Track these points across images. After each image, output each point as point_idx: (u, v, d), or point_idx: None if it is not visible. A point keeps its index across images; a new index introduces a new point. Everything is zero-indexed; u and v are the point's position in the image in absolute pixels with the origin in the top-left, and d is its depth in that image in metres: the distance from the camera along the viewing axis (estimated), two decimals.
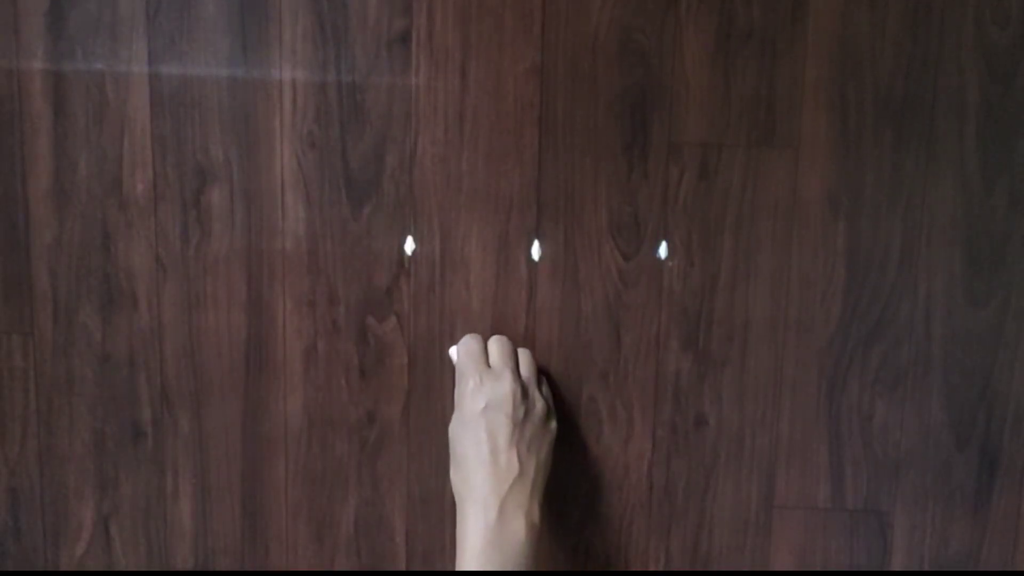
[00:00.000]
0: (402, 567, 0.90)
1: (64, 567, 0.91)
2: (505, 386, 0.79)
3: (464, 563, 0.75)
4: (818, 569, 0.89)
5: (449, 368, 0.87)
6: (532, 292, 0.86)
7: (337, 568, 0.90)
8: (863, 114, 0.82)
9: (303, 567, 0.90)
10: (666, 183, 0.84)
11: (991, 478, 0.87)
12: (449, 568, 0.90)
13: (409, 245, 0.86)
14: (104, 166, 0.85)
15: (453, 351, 0.85)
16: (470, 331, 0.86)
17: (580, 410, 0.87)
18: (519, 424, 0.78)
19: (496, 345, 0.83)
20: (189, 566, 0.91)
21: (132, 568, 0.91)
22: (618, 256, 0.85)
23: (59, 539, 0.91)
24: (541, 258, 0.85)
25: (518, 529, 0.76)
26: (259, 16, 0.83)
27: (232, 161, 0.85)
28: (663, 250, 0.85)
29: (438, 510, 0.89)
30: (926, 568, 0.89)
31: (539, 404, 0.81)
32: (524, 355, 0.84)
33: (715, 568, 0.89)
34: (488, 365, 0.82)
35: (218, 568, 0.91)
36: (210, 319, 0.87)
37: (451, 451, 0.81)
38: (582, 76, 0.83)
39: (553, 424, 0.82)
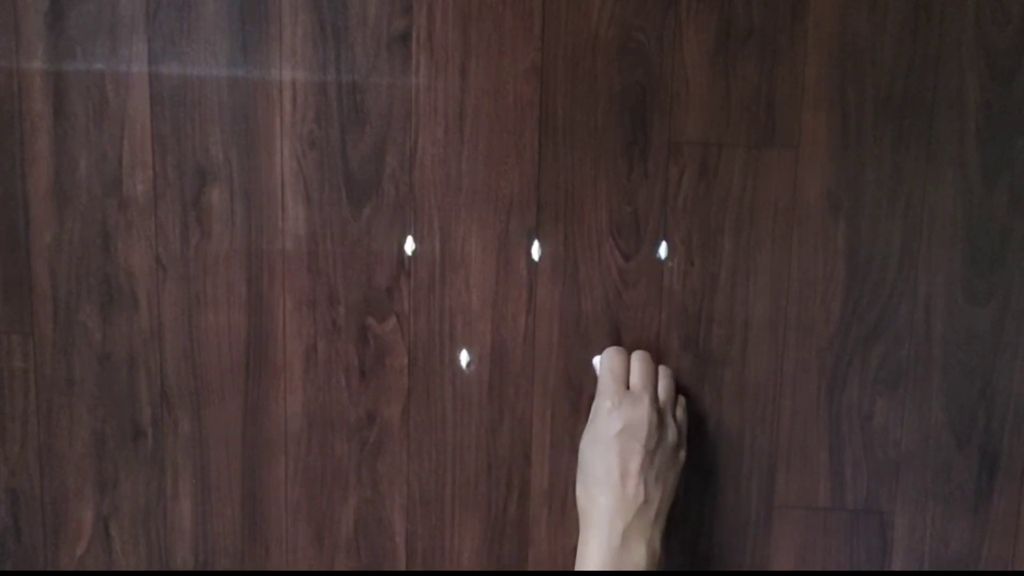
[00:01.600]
0: (402, 567, 0.90)
1: (64, 567, 0.91)
2: (642, 412, 0.79)
3: None
4: (818, 569, 0.89)
5: (449, 368, 0.87)
6: (532, 292, 0.86)
7: (337, 568, 0.90)
8: (863, 114, 0.82)
9: (303, 567, 0.90)
10: (666, 183, 0.84)
11: (991, 478, 0.87)
12: (450, 568, 0.90)
13: (409, 245, 0.86)
14: (104, 166, 0.85)
15: (596, 362, 0.85)
16: (470, 331, 0.86)
17: (582, 411, 0.87)
18: (651, 452, 0.79)
19: (639, 364, 0.83)
20: (189, 566, 0.91)
21: (132, 568, 0.91)
22: (618, 256, 0.85)
23: (59, 539, 0.91)
24: (541, 258, 0.85)
25: (639, 559, 0.76)
26: (259, 16, 0.83)
27: (232, 161, 0.85)
28: (663, 250, 0.85)
29: (438, 510, 0.89)
30: (926, 568, 0.89)
31: (671, 433, 0.81)
32: (665, 377, 0.83)
33: (715, 568, 0.89)
34: (628, 385, 0.82)
35: (218, 568, 0.91)
36: (210, 319, 0.87)
37: (580, 466, 0.81)
38: (582, 76, 0.83)
39: (683, 454, 0.82)
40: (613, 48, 0.82)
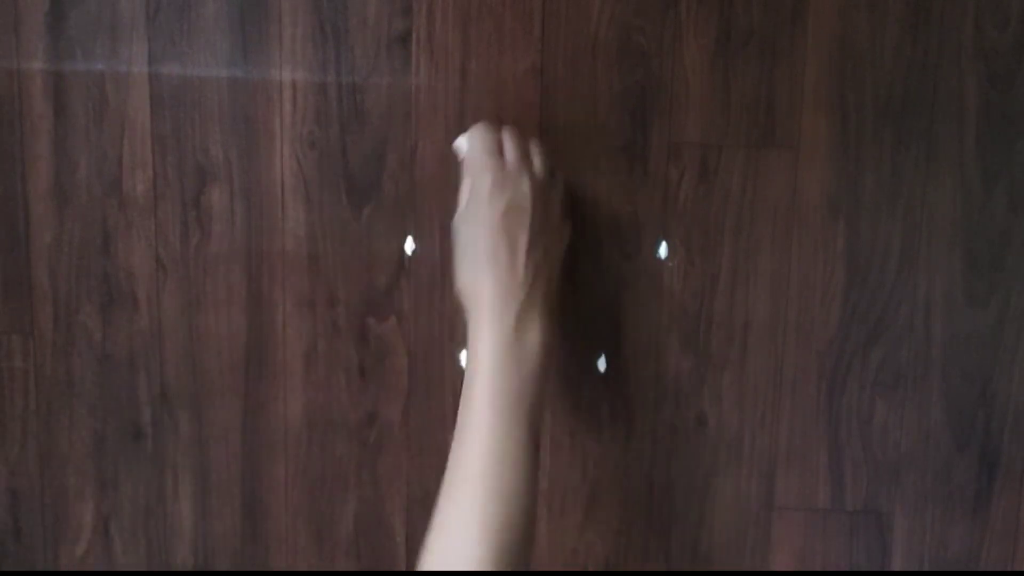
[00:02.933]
0: (402, 567, 0.90)
1: (64, 567, 0.91)
2: (526, 189, 0.74)
3: (478, 376, 0.71)
4: (818, 570, 0.89)
5: (449, 367, 0.87)
6: None
7: (337, 568, 0.90)
8: (863, 115, 0.82)
9: (303, 567, 0.90)
10: (666, 183, 0.84)
11: (991, 479, 0.87)
12: None
13: (409, 245, 0.86)
14: (104, 166, 0.85)
15: (461, 141, 0.80)
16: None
17: (582, 410, 0.87)
18: (538, 229, 0.74)
19: (513, 140, 0.77)
20: (189, 566, 0.91)
21: (132, 568, 0.91)
22: (618, 256, 0.85)
23: (59, 539, 0.91)
24: None
25: (535, 336, 0.72)
26: (259, 16, 0.83)
27: (232, 161, 0.85)
28: (663, 250, 0.85)
29: None
30: (926, 569, 0.89)
31: (556, 206, 0.77)
32: (537, 149, 0.79)
33: (715, 569, 0.89)
34: (503, 161, 0.76)
35: (218, 568, 0.91)
36: (210, 319, 0.87)
37: (459, 252, 0.76)
38: (582, 76, 0.83)
39: (568, 226, 0.79)
40: (613, 49, 0.82)
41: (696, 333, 0.86)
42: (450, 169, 0.84)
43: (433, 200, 0.85)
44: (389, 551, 0.90)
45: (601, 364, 0.86)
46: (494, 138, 0.78)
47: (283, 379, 0.88)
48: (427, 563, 0.68)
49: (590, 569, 0.90)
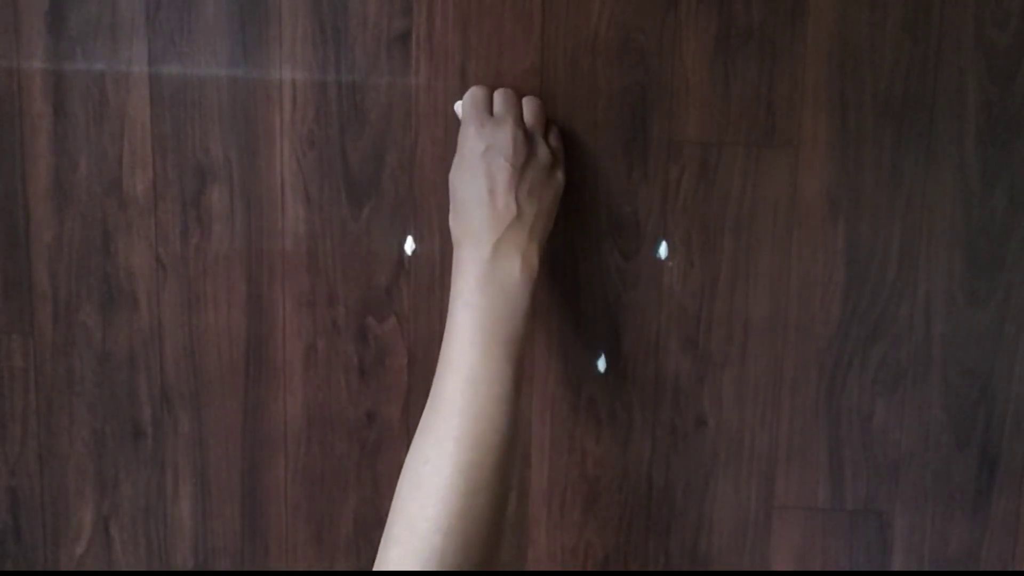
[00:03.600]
0: None
1: (64, 567, 0.91)
2: (506, 131, 0.77)
3: (459, 300, 0.75)
4: (818, 569, 0.89)
5: None
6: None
7: (337, 568, 0.90)
8: (863, 114, 0.82)
9: (303, 567, 0.90)
10: (666, 183, 0.84)
11: (991, 478, 0.87)
12: None
13: (409, 245, 0.86)
14: (104, 166, 0.85)
15: (459, 105, 0.83)
16: None
17: (581, 410, 0.87)
18: (519, 168, 0.77)
19: (501, 94, 0.81)
20: (189, 566, 0.91)
21: (132, 568, 0.91)
22: (618, 256, 0.85)
23: (59, 539, 0.91)
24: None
25: (513, 268, 0.75)
26: (259, 16, 0.83)
27: (232, 161, 0.85)
28: (663, 250, 0.85)
29: None
30: (926, 568, 0.89)
31: (543, 151, 0.79)
32: (531, 103, 0.81)
33: (715, 568, 0.89)
34: (492, 114, 0.80)
35: (218, 568, 0.91)
36: (210, 319, 0.87)
37: (451, 197, 0.79)
38: (582, 76, 0.83)
39: (560, 174, 0.80)
40: (613, 48, 0.82)
41: (696, 333, 0.86)
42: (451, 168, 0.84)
43: (433, 200, 0.85)
44: None
45: (601, 364, 0.86)
46: (484, 94, 0.81)
47: (283, 379, 0.88)
48: (400, 489, 0.72)
49: (589, 569, 0.90)
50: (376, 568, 0.70)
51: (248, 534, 0.90)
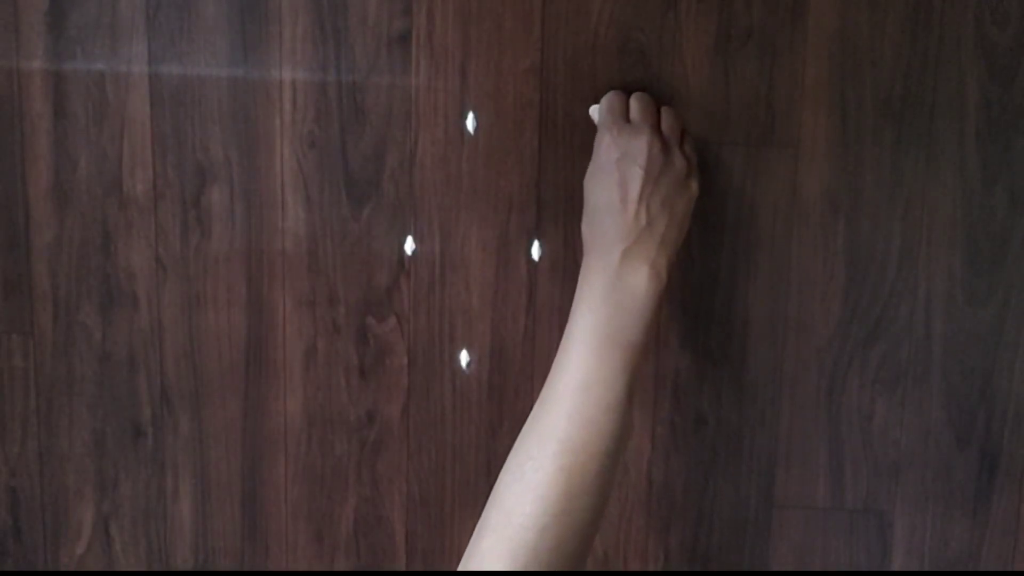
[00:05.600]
0: (402, 567, 0.90)
1: (64, 567, 0.91)
2: (643, 139, 0.76)
3: (583, 304, 0.75)
4: (818, 569, 0.89)
5: (449, 368, 0.87)
6: (532, 292, 0.86)
7: (337, 568, 0.90)
8: (863, 114, 0.82)
9: (303, 566, 0.90)
10: None
11: (991, 478, 0.87)
12: (450, 567, 0.90)
13: (409, 245, 0.86)
14: (104, 166, 0.85)
15: (594, 110, 0.82)
16: (469, 331, 0.86)
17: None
18: (654, 178, 0.76)
19: (638, 101, 0.80)
20: (189, 566, 0.91)
21: (132, 568, 0.91)
22: None
23: (59, 539, 0.91)
24: (541, 258, 0.85)
25: (639, 281, 0.74)
26: (259, 16, 0.83)
27: (232, 161, 0.85)
28: None
29: (438, 510, 0.89)
30: (926, 568, 0.89)
31: (679, 161, 0.78)
32: (667, 113, 0.81)
33: (714, 567, 0.89)
34: (628, 121, 0.79)
35: (218, 568, 0.91)
36: (210, 319, 0.87)
37: (585, 202, 0.79)
38: (582, 76, 0.83)
39: (694, 185, 0.79)
40: (613, 48, 0.82)
41: (696, 332, 0.86)
42: (454, 167, 0.84)
43: (433, 200, 0.85)
44: (389, 551, 0.90)
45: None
46: (621, 100, 0.81)
47: (283, 378, 0.88)
48: (501, 481, 0.72)
49: (589, 568, 0.90)
50: (466, 557, 0.70)
51: (248, 534, 0.90)
